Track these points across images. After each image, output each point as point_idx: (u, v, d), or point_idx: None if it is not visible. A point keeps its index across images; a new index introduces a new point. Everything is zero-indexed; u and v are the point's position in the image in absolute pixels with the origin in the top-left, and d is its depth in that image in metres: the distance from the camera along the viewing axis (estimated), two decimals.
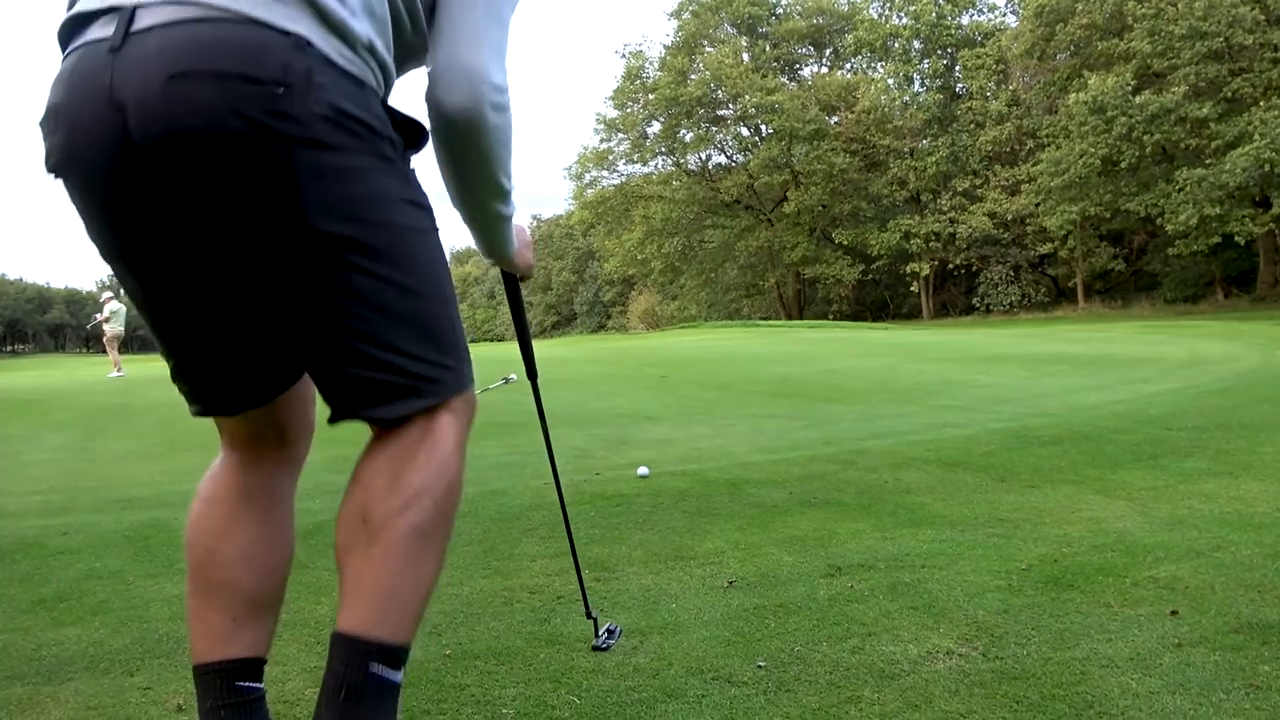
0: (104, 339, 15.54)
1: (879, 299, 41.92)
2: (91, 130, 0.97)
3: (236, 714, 1.18)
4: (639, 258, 41.55)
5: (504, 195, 1.25)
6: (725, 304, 45.52)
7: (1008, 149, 34.46)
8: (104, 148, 0.97)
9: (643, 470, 3.59)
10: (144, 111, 0.94)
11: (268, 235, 0.99)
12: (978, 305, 35.85)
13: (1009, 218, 33.22)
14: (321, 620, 2.07)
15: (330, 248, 1.01)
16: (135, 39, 0.95)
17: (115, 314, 15.44)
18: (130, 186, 0.98)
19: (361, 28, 1.04)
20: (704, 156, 42.06)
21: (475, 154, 1.17)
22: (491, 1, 1.17)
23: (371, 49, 1.06)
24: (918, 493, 3.11)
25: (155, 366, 19.99)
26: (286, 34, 0.96)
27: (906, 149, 36.59)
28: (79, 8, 1.04)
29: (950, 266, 36.37)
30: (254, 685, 1.21)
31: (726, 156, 42.60)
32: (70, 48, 1.03)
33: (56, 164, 1.03)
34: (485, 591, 2.21)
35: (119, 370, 14.78)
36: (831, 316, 37.50)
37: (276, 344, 1.17)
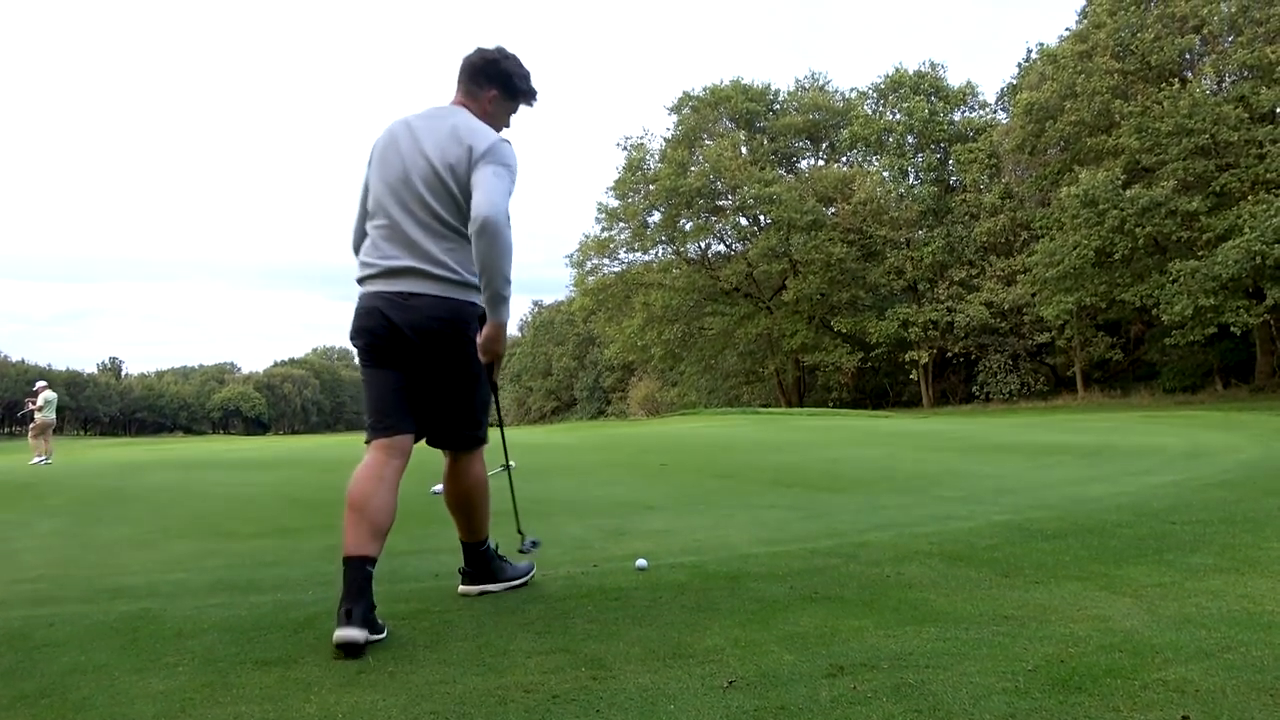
0: (32, 425, 15.68)
1: (879, 386, 42.03)
2: (386, 332, 2.83)
3: (364, 584, 2.61)
4: (639, 344, 41.87)
5: (506, 280, 2.70)
6: (725, 390, 45.62)
7: (1002, 240, 35.12)
8: (391, 338, 2.83)
9: (641, 563, 3.55)
10: (417, 329, 2.81)
11: (456, 369, 2.86)
12: (977, 393, 35.92)
13: (1006, 307, 33.60)
14: (309, 719, 2.02)
15: (469, 377, 2.87)
16: (413, 300, 2.81)
17: (49, 402, 15.63)
18: (402, 350, 2.83)
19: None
20: (704, 245, 42.85)
21: (492, 248, 2.62)
22: (496, 171, 2.71)
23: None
24: (921, 588, 3.06)
25: (153, 450, 19.93)
26: (470, 303, 2.85)
27: (903, 239, 37.28)
28: (380, 262, 2.86)
29: (949, 355, 36.63)
30: (371, 570, 2.66)
31: (726, 245, 43.39)
32: (368, 290, 2.90)
33: (364, 344, 2.93)
34: (478, 690, 2.16)
35: (46, 457, 14.84)
36: (831, 404, 37.58)
37: (439, 413, 2.97)
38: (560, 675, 2.24)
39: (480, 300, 2.80)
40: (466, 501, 3.12)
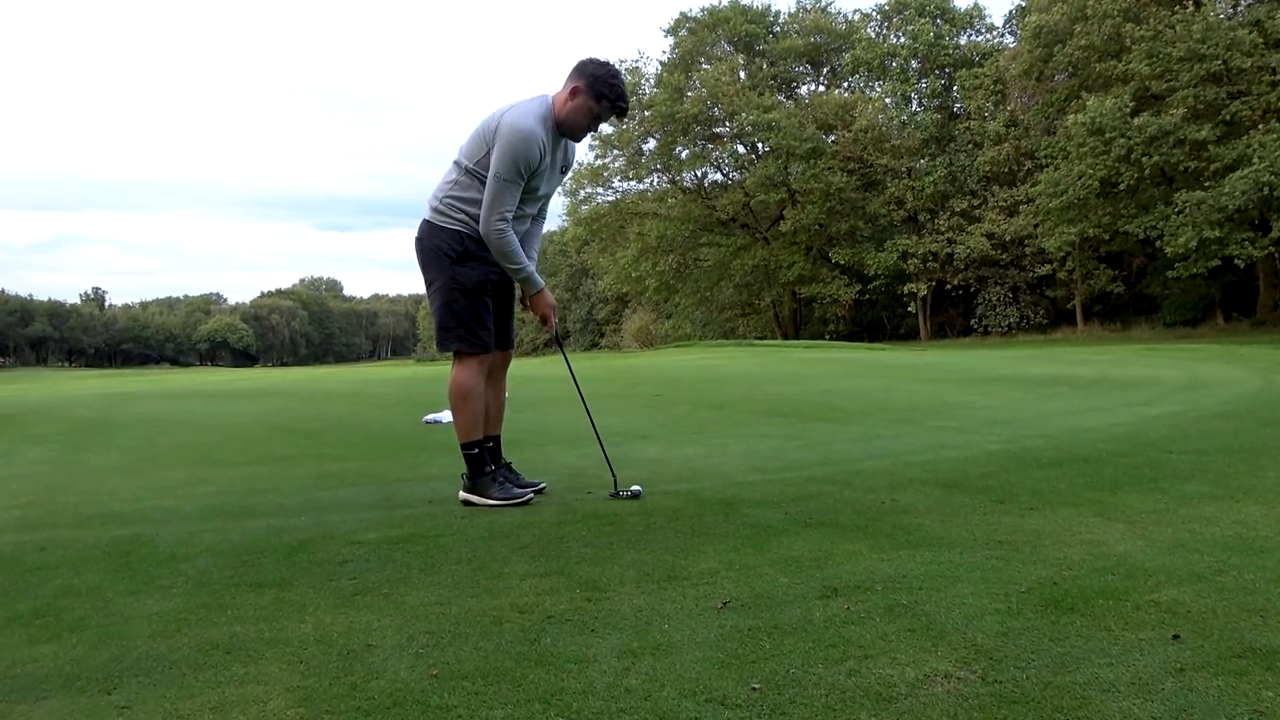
0: None
1: (876, 319, 42.08)
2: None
3: (493, 451, 3.69)
4: (633, 275, 41.66)
5: (514, 271, 3.50)
6: (720, 323, 45.63)
7: (1006, 169, 34.74)
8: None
9: (635, 488, 3.58)
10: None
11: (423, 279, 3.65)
12: (976, 326, 36.01)
13: (1007, 239, 33.43)
14: (305, 639, 2.05)
15: (429, 287, 3.61)
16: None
17: None
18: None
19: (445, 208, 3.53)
20: (700, 174, 42.34)
21: (492, 248, 3.44)
22: (487, 186, 3.37)
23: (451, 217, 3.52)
24: (915, 514, 3.11)
25: (139, 381, 19.94)
26: (436, 225, 3.53)
27: (904, 168, 36.87)
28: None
29: (948, 287, 36.58)
30: (496, 441, 3.73)
31: (723, 174, 42.86)
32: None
33: None
34: (473, 611, 2.20)
35: None
36: (828, 336, 37.62)
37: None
38: (555, 597, 2.27)
39: (457, 225, 3.48)
40: (448, 400, 3.66)
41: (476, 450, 3.59)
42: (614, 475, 3.69)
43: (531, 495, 3.57)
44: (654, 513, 3.25)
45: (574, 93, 3.40)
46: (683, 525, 3.04)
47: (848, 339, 35.91)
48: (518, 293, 3.78)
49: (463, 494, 3.58)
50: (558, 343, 3.87)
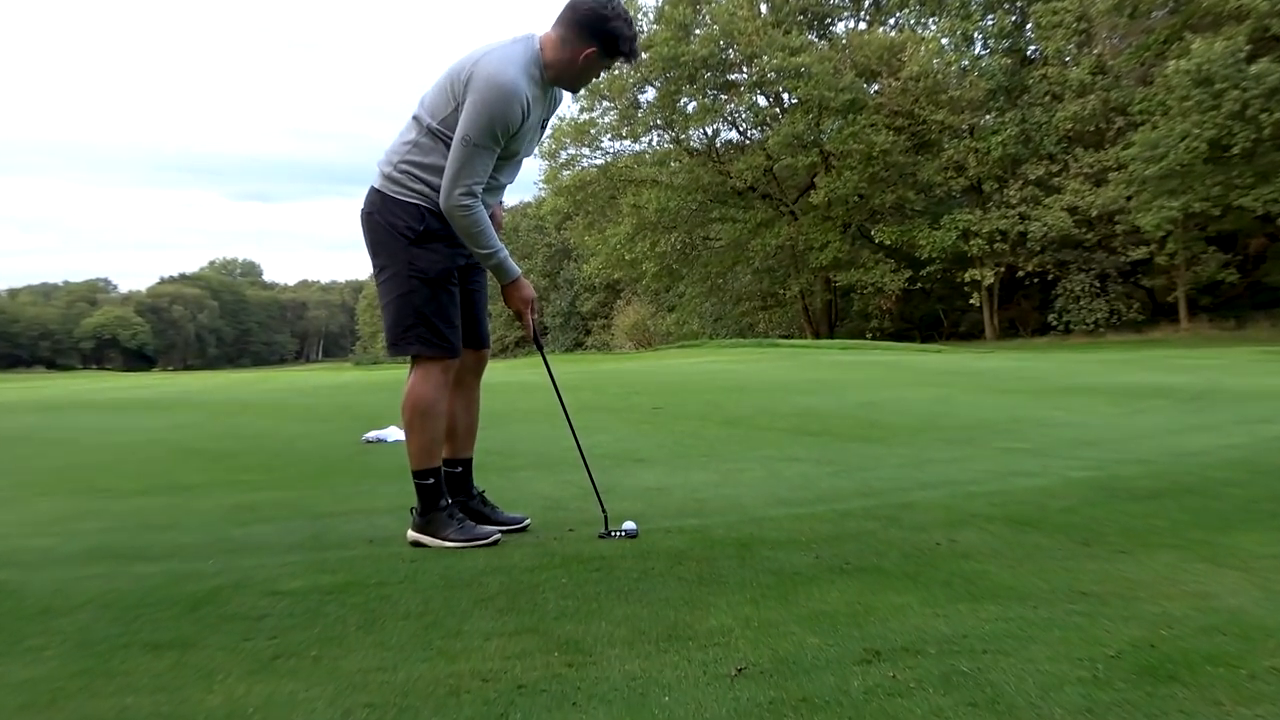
0: None
1: (930, 314, 42.21)
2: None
3: (461, 480, 3.81)
4: (627, 258, 41.73)
5: (483, 256, 3.51)
6: (736, 318, 45.72)
7: (1091, 128, 34.84)
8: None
9: (629, 525, 3.58)
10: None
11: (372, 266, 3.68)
12: (1054, 323, 36.12)
13: (1093, 214, 33.53)
14: (213, 713, 2.05)
15: (379, 276, 3.63)
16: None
17: None
18: None
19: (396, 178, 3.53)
20: (710, 132, 42.42)
21: (456, 229, 3.46)
22: (452, 150, 3.37)
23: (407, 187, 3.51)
24: (978, 558, 3.11)
25: (7, 388, 19.90)
26: (387, 195, 3.53)
27: (965, 126, 36.96)
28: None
29: (1020, 274, 36.68)
30: (465, 467, 3.85)
31: (739, 132, 42.98)
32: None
33: None
34: (425, 679, 2.19)
35: None
36: (870, 335, 37.69)
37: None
38: (527, 661, 2.27)
39: (415, 197, 3.48)
40: (402, 416, 3.63)
41: (432, 481, 3.59)
42: (603, 509, 3.69)
43: (498, 536, 3.56)
44: (652, 555, 3.25)
45: (570, 38, 3.40)
46: (688, 572, 3.04)
47: (894, 338, 35.99)
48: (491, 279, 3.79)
49: (412, 533, 3.58)
50: (536, 342, 3.87)
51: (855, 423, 7.38)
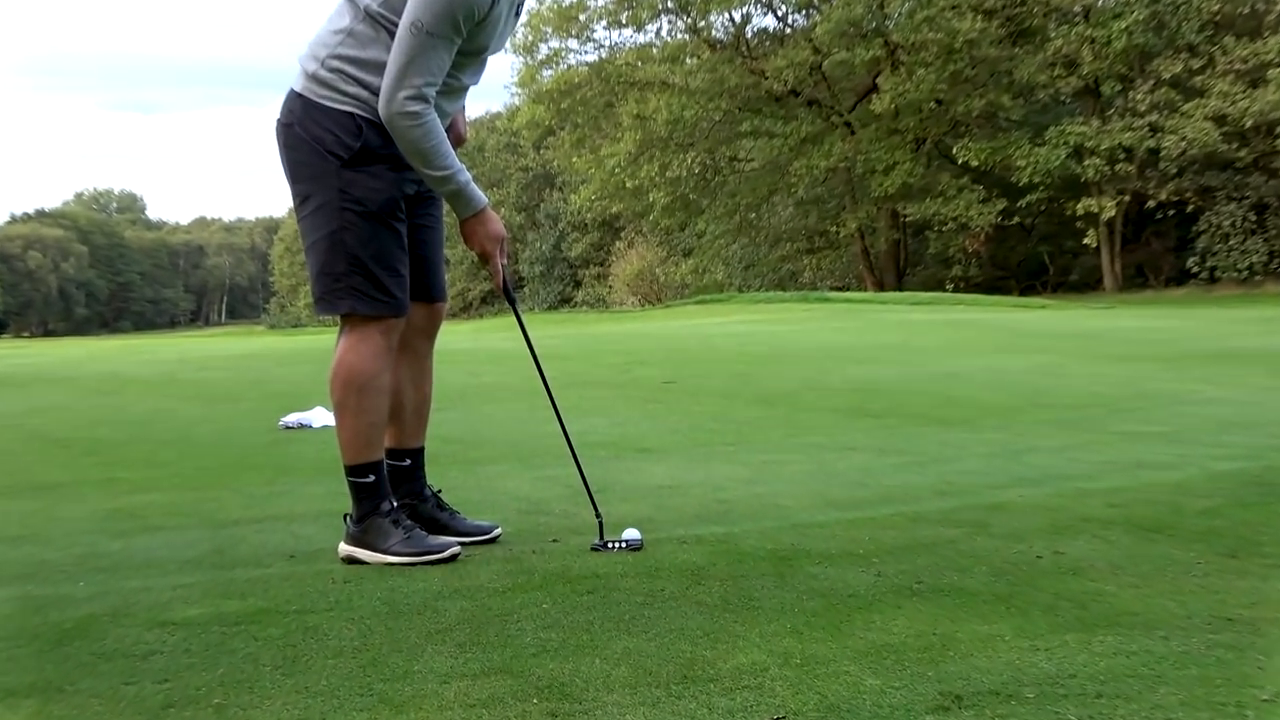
0: None
1: (1032, 258, 42.05)
2: None
3: (405, 475, 3.86)
4: (629, 185, 41.58)
5: (437, 179, 3.48)
6: (773, 264, 45.65)
7: (1245, 9, 34.52)
8: None
9: (631, 534, 3.58)
10: None
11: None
12: (1195, 270, 35.95)
13: (1248, 125, 33.27)
14: None
15: (300, 211, 3.60)
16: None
17: None
18: None
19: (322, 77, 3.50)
20: (739, 17, 42.11)
21: (402, 146, 3.41)
22: (398, 40, 3.31)
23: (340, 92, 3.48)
24: (1091, 575, 3.11)
25: None
26: (310, 99, 3.52)
27: (1078, 8, 36.64)
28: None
29: (1150, 205, 36.47)
30: (415, 459, 3.91)
31: (777, 18, 42.74)
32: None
33: None
34: None
35: None
36: (951, 286, 37.62)
37: None
38: (497, 710, 2.28)
39: (351, 104, 3.48)
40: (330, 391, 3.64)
41: (371, 478, 3.61)
42: (597, 514, 3.70)
43: (459, 549, 3.57)
44: (661, 573, 3.25)
45: None
46: (708, 594, 3.04)
47: (983, 290, 35.90)
48: (447, 210, 3.78)
49: (345, 546, 3.59)
50: (507, 296, 3.86)
51: (931, 400, 7.37)
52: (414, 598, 3.12)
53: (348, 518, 3.61)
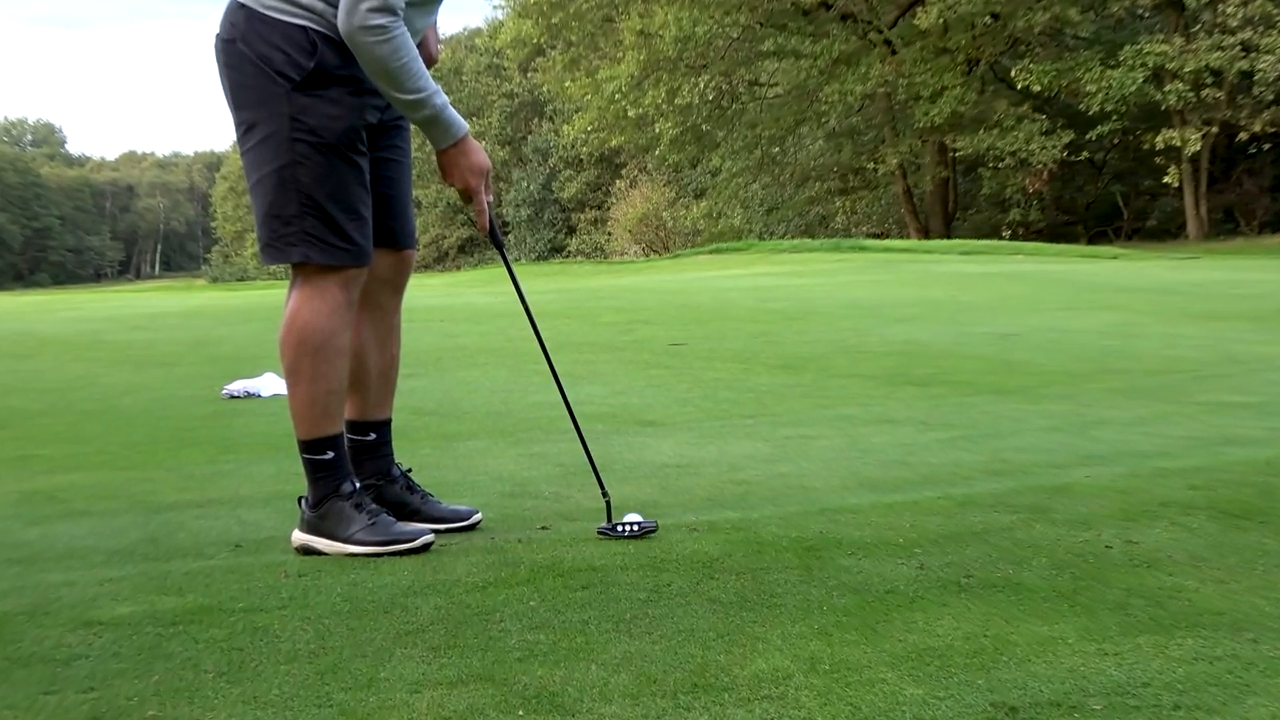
0: None
1: (1103, 200, 41.94)
2: None
3: (368, 451, 3.91)
4: (631, 114, 41.45)
5: (409, 104, 3.48)
6: (799, 207, 45.56)
7: None
8: None
9: (633, 519, 3.59)
10: None
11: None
12: None
13: None
14: None
15: (243, 143, 3.62)
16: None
17: None
18: None
19: None
20: None
21: (366, 65, 3.40)
22: None
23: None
24: (1169, 568, 3.12)
25: None
26: (253, 10, 3.49)
27: None
28: None
29: (1242, 139, 36.32)
30: (380, 432, 3.95)
31: None
32: None
33: None
34: None
35: None
36: (1008, 233, 37.54)
37: None
38: None
39: (301, 16, 3.46)
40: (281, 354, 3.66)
41: (330, 455, 3.62)
42: (605, 493, 3.72)
43: (431, 537, 3.58)
44: (668, 565, 3.26)
45: None
46: (723, 589, 3.05)
47: (1046, 237, 35.80)
48: (419, 143, 3.77)
49: (300, 534, 3.60)
50: (495, 241, 3.85)
51: (984, 365, 7.36)
52: (380, 594, 3.12)
53: (303, 501, 3.62)
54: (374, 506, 3.63)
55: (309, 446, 3.60)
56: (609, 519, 3.62)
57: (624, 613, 2.89)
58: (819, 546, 3.42)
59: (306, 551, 3.55)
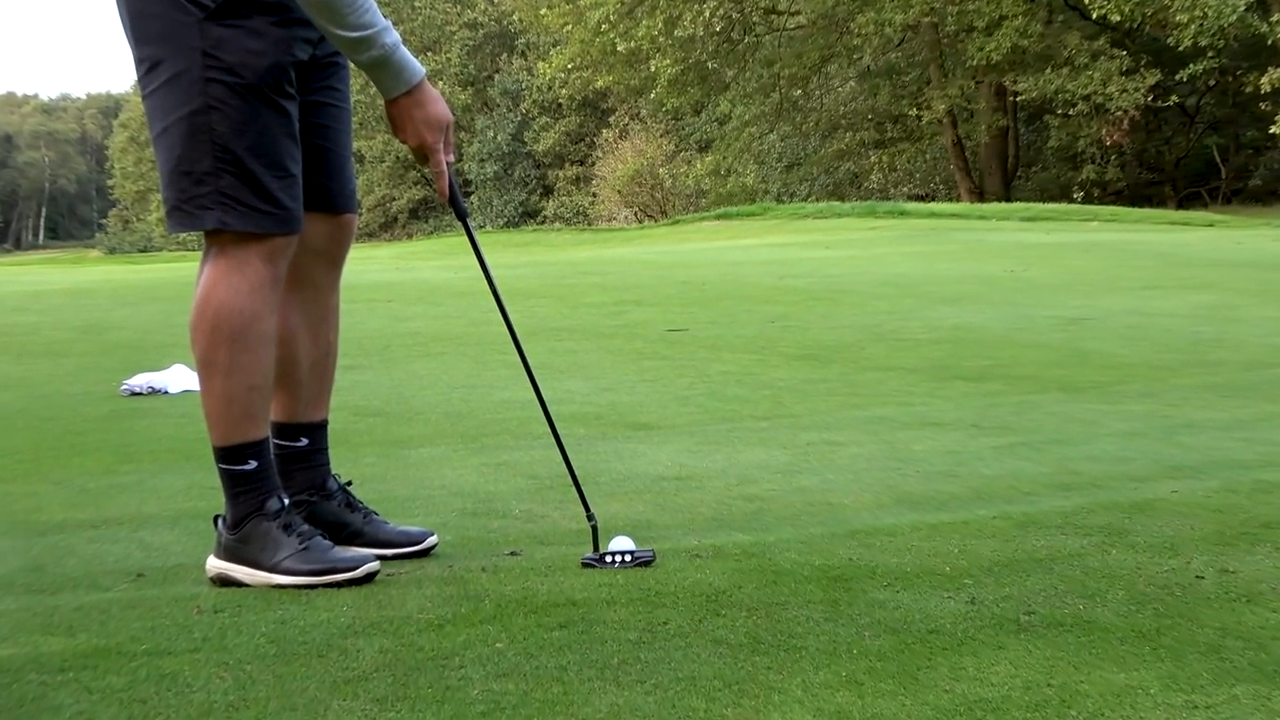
0: None
1: (1197, 155, 41.96)
2: None
3: (298, 459, 3.90)
4: (621, 49, 41.44)
5: (352, 43, 3.41)
6: (826, 163, 45.58)
7: None
8: None
9: (621, 544, 3.60)
10: None
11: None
12: None
13: None
14: None
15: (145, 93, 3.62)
16: None
17: None
18: None
19: None
20: None
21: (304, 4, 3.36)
22: None
23: None
24: (1272, 603, 3.12)
25: None
26: None
27: None
28: None
29: None
30: (314, 437, 3.97)
31: None
32: None
33: None
34: None
35: None
36: (1081, 194, 37.55)
37: None
38: None
39: None
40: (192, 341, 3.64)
41: (253, 465, 3.61)
42: (590, 516, 3.70)
43: (377, 565, 3.58)
44: (664, 599, 3.27)
45: None
46: (731, 629, 3.06)
47: (1126, 200, 35.83)
48: (361, 84, 3.76)
49: (216, 561, 3.61)
50: (456, 207, 3.82)
51: (1049, 356, 7.38)
52: (313, 634, 3.12)
53: (219, 521, 3.62)
54: (306, 528, 3.62)
55: (227, 454, 3.59)
56: (595, 547, 3.61)
57: (610, 657, 2.89)
58: (848, 576, 3.42)
59: (224, 582, 3.55)
